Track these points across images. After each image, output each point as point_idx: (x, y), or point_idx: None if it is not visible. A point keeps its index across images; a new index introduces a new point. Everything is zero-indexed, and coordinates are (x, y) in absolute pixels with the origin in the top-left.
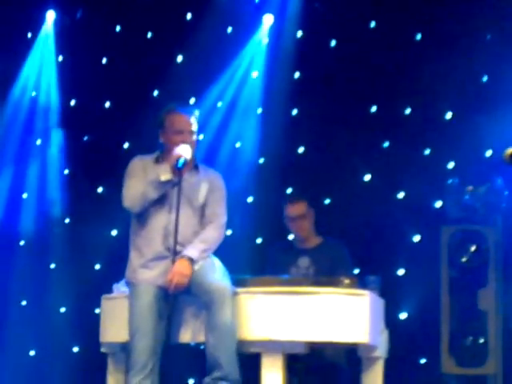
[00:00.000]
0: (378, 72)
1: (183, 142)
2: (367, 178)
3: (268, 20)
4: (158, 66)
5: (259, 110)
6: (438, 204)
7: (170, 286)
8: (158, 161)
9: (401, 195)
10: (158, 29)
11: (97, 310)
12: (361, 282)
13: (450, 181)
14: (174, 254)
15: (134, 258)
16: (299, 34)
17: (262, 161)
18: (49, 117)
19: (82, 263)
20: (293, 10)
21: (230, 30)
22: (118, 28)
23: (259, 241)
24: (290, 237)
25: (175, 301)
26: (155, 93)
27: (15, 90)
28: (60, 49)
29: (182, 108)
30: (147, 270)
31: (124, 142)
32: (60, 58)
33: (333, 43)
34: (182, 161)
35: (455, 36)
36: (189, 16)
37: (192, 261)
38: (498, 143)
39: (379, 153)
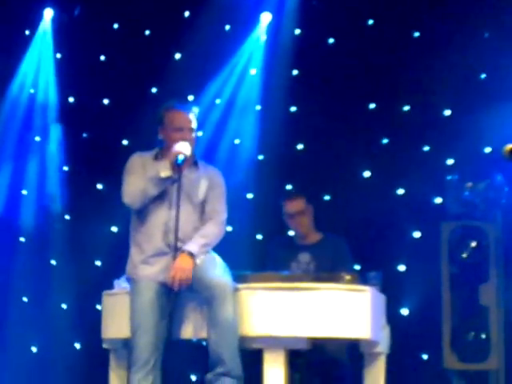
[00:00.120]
0: (376, 69)
1: (183, 139)
2: (367, 174)
3: (266, 17)
4: (156, 64)
5: (258, 107)
6: (438, 200)
7: (174, 283)
8: (157, 157)
9: (401, 192)
10: (155, 26)
11: (98, 307)
12: (361, 278)
13: (449, 177)
14: (175, 250)
15: (135, 254)
16: (297, 31)
17: (261, 157)
18: (47, 114)
19: (83, 260)
20: (291, 8)
21: (228, 27)
22: (115, 25)
23: (259, 237)
24: (291, 233)
25: (176, 297)
26: (153, 90)
27: (13, 86)
28: (58, 46)
29: (182, 105)
30: (148, 266)
31: (123, 139)
32: (58, 56)
33: (331, 41)
34: (181, 157)
35: (453, 33)
36: (187, 13)
37: (192, 255)
38: (497, 139)
39: (379, 149)
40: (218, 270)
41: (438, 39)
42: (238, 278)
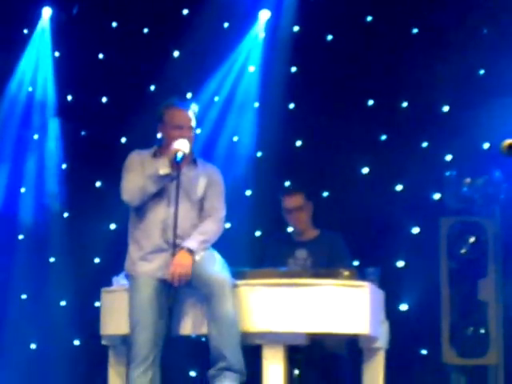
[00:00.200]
0: (374, 66)
1: (182, 136)
2: (365, 170)
3: (264, 15)
4: (155, 61)
5: (256, 104)
6: (437, 196)
7: (174, 279)
8: (155, 155)
9: (399, 188)
10: (154, 24)
11: (97, 303)
12: (360, 274)
13: (448, 173)
14: (174, 247)
15: (133, 251)
16: (296, 28)
17: (259, 154)
18: (45, 112)
19: (82, 257)
20: (289, 5)
21: (226, 25)
22: (114, 23)
23: (258, 234)
24: (289, 229)
25: (175, 293)
26: (152, 88)
27: (12, 85)
28: (56, 44)
29: (182, 103)
30: (146, 263)
31: (121, 137)
32: (56, 54)
33: (329, 37)
34: (180, 155)
35: (452, 29)
36: (185, 11)
37: (192, 252)
38: (495, 135)
39: (377, 146)
40: (216, 267)
41: (437, 35)
42: (237, 275)
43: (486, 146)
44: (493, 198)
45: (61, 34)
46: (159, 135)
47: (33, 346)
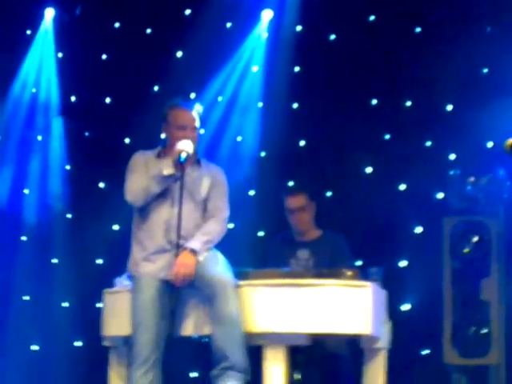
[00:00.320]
0: (378, 65)
1: (185, 137)
2: (369, 170)
3: (267, 14)
4: (158, 62)
5: (260, 104)
6: (440, 195)
7: (177, 279)
8: (159, 156)
9: (403, 187)
10: (157, 24)
11: (99, 305)
12: (363, 274)
13: (451, 172)
14: (177, 247)
15: (136, 252)
16: (298, 28)
17: (263, 154)
18: (49, 113)
19: (84, 258)
20: (292, 4)
21: (229, 25)
22: (117, 24)
23: (261, 234)
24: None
25: (178, 294)
26: (155, 88)
27: (15, 86)
28: (59, 45)
29: (186, 103)
30: (149, 263)
31: (125, 138)
32: (60, 55)
33: (332, 37)
34: (184, 155)
35: (455, 28)
36: (188, 11)
37: (195, 252)
38: (499, 134)
39: (380, 145)
40: (219, 267)
41: (440, 34)
42: (240, 275)
43: (490, 144)
44: (496, 197)
45: (64, 35)
46: (163, 136)
47: (35, 347)
